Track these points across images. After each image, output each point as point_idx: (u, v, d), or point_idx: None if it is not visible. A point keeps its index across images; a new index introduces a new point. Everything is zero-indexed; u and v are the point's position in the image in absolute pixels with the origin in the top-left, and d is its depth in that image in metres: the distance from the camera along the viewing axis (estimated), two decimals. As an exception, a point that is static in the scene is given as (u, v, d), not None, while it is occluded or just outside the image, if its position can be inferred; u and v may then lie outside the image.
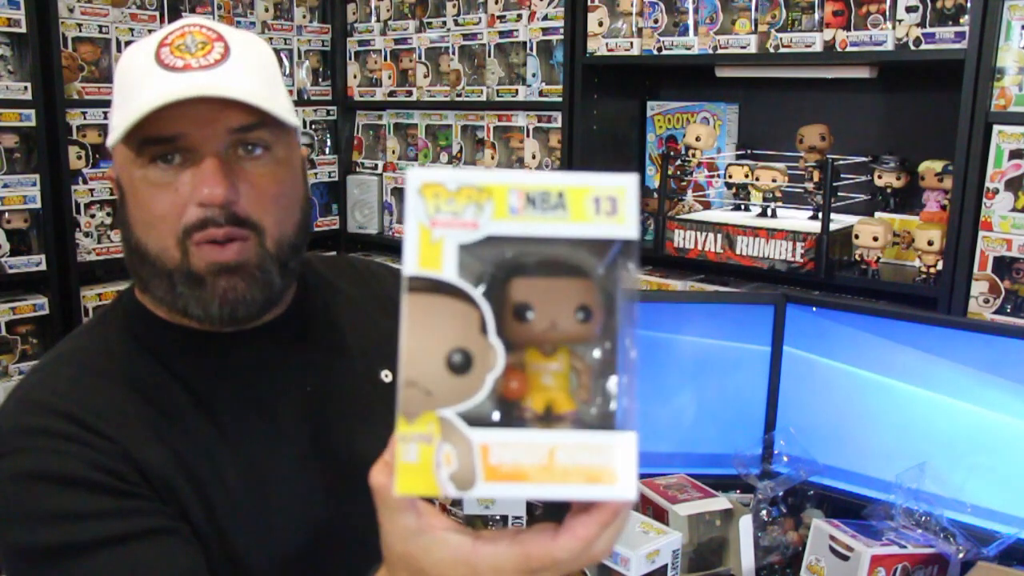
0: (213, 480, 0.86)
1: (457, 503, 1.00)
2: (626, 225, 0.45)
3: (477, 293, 0.45)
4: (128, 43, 2.11)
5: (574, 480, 0.45)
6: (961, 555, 1.23)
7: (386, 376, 1.04)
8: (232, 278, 0.85)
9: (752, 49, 1.68)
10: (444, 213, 0.45)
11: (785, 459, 1.45)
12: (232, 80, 0.83)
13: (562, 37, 2.01)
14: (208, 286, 0.85)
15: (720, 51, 1.73)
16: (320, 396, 0.97)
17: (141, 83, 0.82)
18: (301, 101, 2.52)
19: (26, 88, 1.88)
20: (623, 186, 0.45)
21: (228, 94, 0.81)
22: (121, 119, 0.81)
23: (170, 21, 2.20)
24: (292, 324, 0.96)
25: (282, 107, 0.85)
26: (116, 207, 0.92)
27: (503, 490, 0.45)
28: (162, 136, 0.82)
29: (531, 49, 2.09)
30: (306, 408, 0.94)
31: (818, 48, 1.60)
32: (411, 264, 0.45)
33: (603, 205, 0.45)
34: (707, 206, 1.94)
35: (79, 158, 2.01)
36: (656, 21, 1.83)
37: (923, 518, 1.26)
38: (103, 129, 2.05)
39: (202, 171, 0.82)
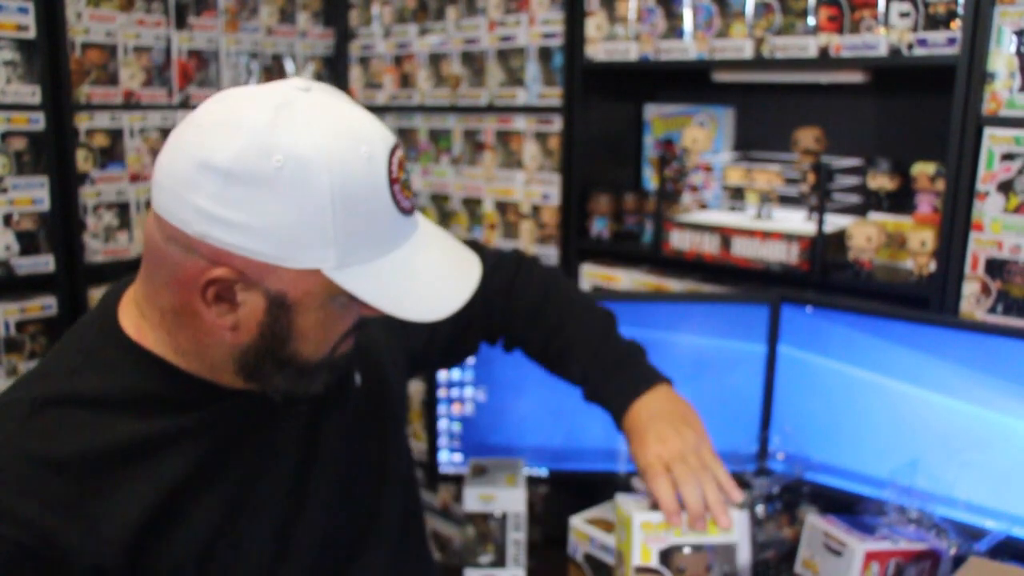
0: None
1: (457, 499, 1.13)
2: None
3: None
4: (136, 48, 2.12)
5: None
6: (953, 550, 1.25)
7: (357, 378, 1.02)
8: None
9: (748, 54, 1.70)
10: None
11: (780, 457, 1.48)
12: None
13: (561, 42, 2.03)
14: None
15: (716, 56, 1.75)
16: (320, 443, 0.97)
17: (389, 233, 0.81)
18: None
19: (35, 92, 1.90)
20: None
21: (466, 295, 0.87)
22: (367, 279, 0.79)
23: (177, 27, 2.23)
24: None
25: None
26: (270, 323, 0.82)
27: None
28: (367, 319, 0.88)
29: (531, 54, 2.11)
30: (299, 472, 0.95)
31: (812, 53, 1.62)
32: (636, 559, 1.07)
33: None
34: (704, 208, 1.96)
35: (87, 161, 2.04)
36: (654, 26, 1.85)
37: (916, 514, 1.28)
38: (110, 132, 2.08)
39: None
